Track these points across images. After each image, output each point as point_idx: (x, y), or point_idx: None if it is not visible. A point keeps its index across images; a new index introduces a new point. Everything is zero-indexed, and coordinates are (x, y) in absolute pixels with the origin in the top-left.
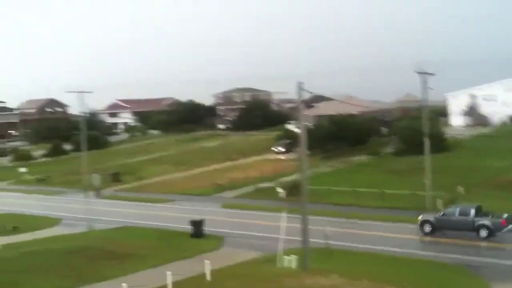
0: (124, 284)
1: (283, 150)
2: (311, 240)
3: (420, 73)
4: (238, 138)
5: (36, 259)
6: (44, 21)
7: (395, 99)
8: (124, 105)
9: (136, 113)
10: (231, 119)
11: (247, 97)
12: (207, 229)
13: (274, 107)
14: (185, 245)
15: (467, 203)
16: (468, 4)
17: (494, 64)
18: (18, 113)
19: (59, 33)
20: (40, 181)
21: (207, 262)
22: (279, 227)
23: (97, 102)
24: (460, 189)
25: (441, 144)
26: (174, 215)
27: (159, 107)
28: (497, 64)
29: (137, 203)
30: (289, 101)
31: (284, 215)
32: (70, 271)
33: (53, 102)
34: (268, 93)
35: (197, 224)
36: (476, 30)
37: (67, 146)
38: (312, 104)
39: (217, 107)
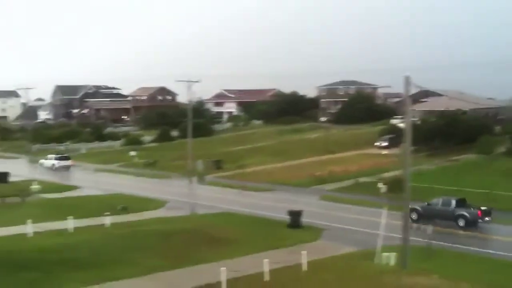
0: (223, 268)
1: (386, 145)
2: (411, 238)
3: None
4: (339, 131)
5: (140, 238)
6: (157, 17)
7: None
8: (229, 95)
9: (240, 103)
10: (333, 111)
11: (352, 90)
12: (304, 220)
13: (379, 101)
14: (282, 235)
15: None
16: None
17: None
18: (131, 100)
19: (172, 27)
20: (148, 165)
21: (303, 252)
22: (378, 223)
23: (204, 92)
24: None
25: None
26: (272, 204)
27: (263, 98)
28: None
29: (237, 190)
30: (395, 95)
31: (384, 211)
32: (169, 251)
33: (163, 90)
34: (373, 87)
35: (295, 215)
36: None
37: (175, 133)
38: (420, 100)
39: (320, 100)
